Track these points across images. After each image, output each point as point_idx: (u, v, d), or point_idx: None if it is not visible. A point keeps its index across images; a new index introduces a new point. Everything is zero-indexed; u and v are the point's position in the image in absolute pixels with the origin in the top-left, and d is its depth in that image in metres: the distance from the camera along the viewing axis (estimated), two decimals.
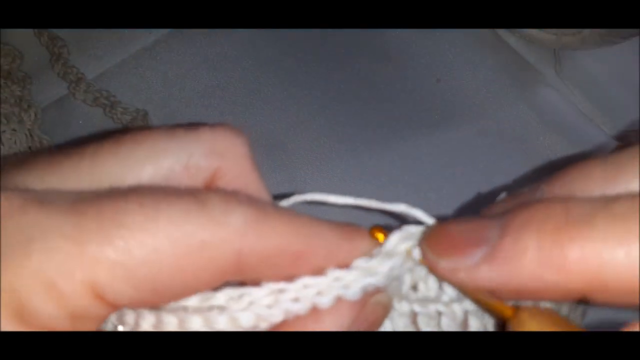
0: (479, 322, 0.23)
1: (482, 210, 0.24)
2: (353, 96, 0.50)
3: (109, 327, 0.20)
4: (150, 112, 0.49)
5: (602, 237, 0.19)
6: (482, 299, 0.21)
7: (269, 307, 0.20)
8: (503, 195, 0.25)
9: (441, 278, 0.22)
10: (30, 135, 0.48)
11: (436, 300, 0.23)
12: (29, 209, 0.18)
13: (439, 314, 0.23)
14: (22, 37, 0.53)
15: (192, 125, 0.22)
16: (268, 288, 0.20)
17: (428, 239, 0.22)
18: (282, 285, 0.20)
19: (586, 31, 0.47)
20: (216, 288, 0.20)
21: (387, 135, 0.49)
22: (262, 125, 0.50)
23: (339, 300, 0.21)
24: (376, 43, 0.52)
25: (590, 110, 0.50)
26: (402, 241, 0.22)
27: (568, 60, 0.51)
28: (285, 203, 0.24)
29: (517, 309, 0.21)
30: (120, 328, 0.20)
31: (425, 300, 0.23)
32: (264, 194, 0.23)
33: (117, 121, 0.49)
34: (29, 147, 0.47)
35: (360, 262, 0.21)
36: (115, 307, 0.19)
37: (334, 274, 0.21)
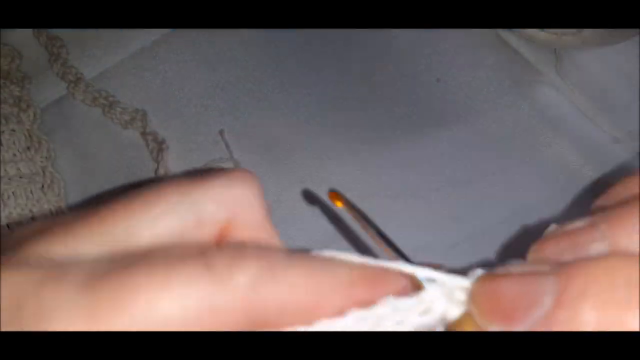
0: None
1: (531, 251, 0.23)
2: (353, 96, 0.50)
3: None
4: (149, 112, 0.49)
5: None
6: None
7: None
8: (552, 227, 0.23)
9: None
10: (29, 136, 0.48)
11: None
12: (46, 285, 0.19)
13: None
14: (21, 37, 0.52)
15: (205, 176, 0.22)
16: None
17: (477, 300, 0.21)
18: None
19: (586, 31, 0.47)
20: None
21: (387, 135, 0.49)
22: (262, 125, 0.49)
23: None
24: (376, 43, 0.52)
25: (591, 110, 0.50)
26: (438, 298, 0.21)
27: (568, 60, 0.51)
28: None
29: None
30: None
31: None
32: (275, 242, 0.23)
33: (116, 121, 0.49)
34: (28, 148, 0.47)
35: (388, 304, 0.20)
36: None
37: (354, 314, 0.20)
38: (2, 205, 0.44)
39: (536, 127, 0.49)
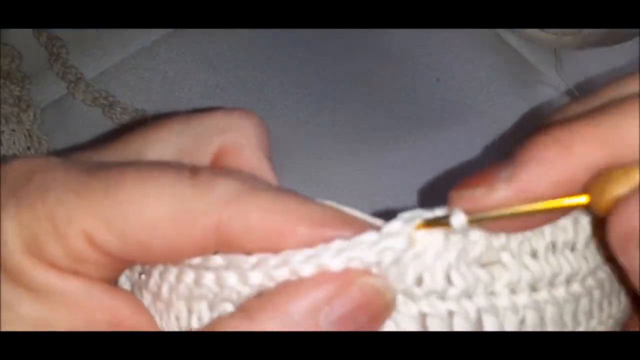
0: (495, 321, 0.22)
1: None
2: (353, 96, 0.50)
3: (132, 277, 0.24)
4: (149, 112, 0.49)
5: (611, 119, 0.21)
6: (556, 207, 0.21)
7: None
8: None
9: (482, 220, 0.22)
10: (29, 136, 0.48)
11: (443, 294, 0.22)
12: (57, 168, 0.22)
13: (451, 314, 0.22)
14: (21, 37, 0.52)
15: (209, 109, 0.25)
16: (255, 257, 0.21)
17: (457, 187, 0.22)
18: (267, 255, 0.21)
19: (586, 31, 0.47)
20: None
21: (387, 135, 0.49)
22: None
23: (321, 270, 0.20)
24: (376, 43, 0.52)
25: None
26: (405, 222, 0.21)
27: (568, 60, 0.51)
28: None
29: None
30: (143, 277, 0.23)
31: (432, 294, 0.22)
32: (268, 176, 0.25)
33: (116, 121, 0.49)
34: (28, 148, 0.47)
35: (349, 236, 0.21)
36: (110, 256, 0.21)
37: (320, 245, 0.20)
38: None
39: (536, 127, 0.49)
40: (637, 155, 0.20)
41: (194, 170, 0.21)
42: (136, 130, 0.25)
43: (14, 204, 0.21)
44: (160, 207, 0.20)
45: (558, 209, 0.21)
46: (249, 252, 0.21)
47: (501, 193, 0.21)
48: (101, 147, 0.25)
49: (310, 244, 0.20)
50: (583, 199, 0.21)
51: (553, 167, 0.21)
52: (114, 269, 0.23)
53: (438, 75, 0.51)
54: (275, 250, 0.21)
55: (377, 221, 0.22)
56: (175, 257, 0.22)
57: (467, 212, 0.21)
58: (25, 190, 0.21)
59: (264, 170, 0.25)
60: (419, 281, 0.21)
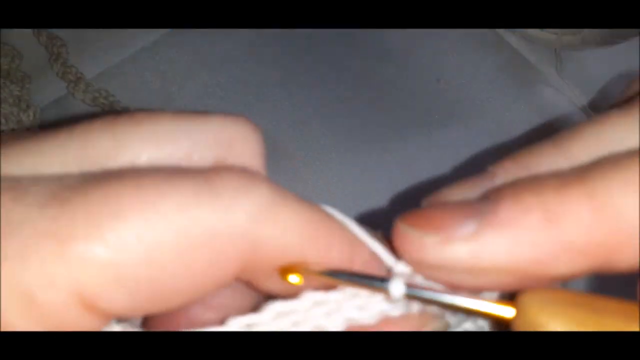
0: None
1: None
2: (353, 96, 0.50)
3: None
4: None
5: (608, 185, 0.16)
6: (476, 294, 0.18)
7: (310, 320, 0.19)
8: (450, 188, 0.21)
9: (427, 269, 0.18)
10: None
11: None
12: (5, 205, 0.15)
13: None
14: (21, 37, 0.52)
15: (202, 113, 0.20)
16: (308, 300, 0.18)
17: (407, 219, 0.18)
18: (319, 296, 0.18)
19: (586, 31, 0.47)
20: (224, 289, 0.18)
21: (387, 135, 0.49)
22: (262, 125, 0.49)
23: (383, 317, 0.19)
24: (376, 43, 0.52)
25: (591, 110, 0.50)
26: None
27: (569, 60, 0.51)
28: None
29: (517, 299, 0.17)
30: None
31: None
32: None
33: None
34: None
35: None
36: (111, 316, 0.16)
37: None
38: None
39: (536, 127, 0.49)
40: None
41: (208, 177, 0.16)
42: (99, 121, 0.17)
43: None
44: (178, 235, 0.15)
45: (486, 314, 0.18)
46: (264, 284, 0.18)
47: (455, 253, 0.17)
48: (45, 138, 0.17)
49: (338, 265, 0.18)
50: (510, 313, 0.18)
51: (532, 238, 0.17)
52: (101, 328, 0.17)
53: (438, 76, 0.51)
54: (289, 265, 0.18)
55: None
56: (193, 298, 0.17)
57: (410, 259, 0.18)
58: None
59: None
60: None
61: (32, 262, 0.14)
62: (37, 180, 0.16)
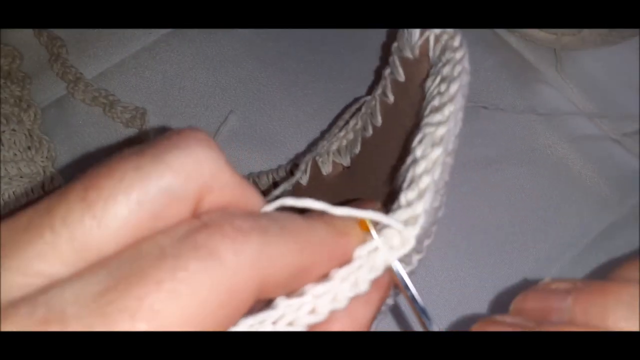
0: None
1: (514, 302, 0.26)
2: (353, 96, 0.50)
3: None
4: (149, 111, 0.49)
5: None
6: None
7: (290, 324, 0.20)
8: (545, 280, 0.26)
9: None
10: (30, 135, 0.48)
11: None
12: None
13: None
14: (22, 37, 0.53)
15: (152, 144, 0.19)
16: (282, 308, 0.20)
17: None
18: (294, 301, 0.20)
19: (586, 31, 0.47)
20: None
21: None
22: (262, 125, 0.50)
23: (353, 299, 0.21)
24: (376, 43, 0.52)
25: (591, 110, 0.50)
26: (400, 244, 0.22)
27: (568, 60, 0.51)
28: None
29: None
30: None
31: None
32: (254, 199, 0.21)
33: (117, 119, 0.49)
34: (29, 147, 0.47)
35: (361, 259, 0.21)
36: None
37: (339, 275, 0.21)
38: (2, 205, 0.44)
39: (536, 127, 0.49)
40: None
41: (208, 248, 0.18)
42: (71, 199, 0.17)
43: None
44: (204, 307, 0.17)
45: None
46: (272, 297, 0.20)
47: None
48: (28, 239, 0.17)
49: (328, 267, 0.21)
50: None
51: None
52: None
53: None
54: (297, 288, 0.20)
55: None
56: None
57: None
58: None
59: (252, 198, 0.21)
60: None
61: None
62: (63, 299, 0.17)
